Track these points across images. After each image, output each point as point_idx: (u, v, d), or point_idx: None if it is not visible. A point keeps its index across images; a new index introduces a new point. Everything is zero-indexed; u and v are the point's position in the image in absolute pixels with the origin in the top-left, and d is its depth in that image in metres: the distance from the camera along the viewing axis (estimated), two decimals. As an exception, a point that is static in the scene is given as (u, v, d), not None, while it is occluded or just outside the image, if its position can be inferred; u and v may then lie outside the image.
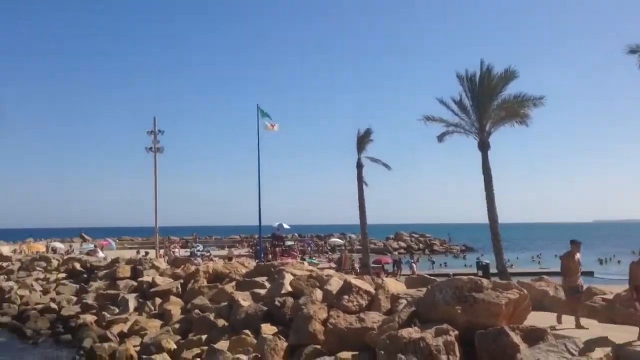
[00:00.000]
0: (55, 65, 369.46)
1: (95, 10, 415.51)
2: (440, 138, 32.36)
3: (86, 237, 75.49)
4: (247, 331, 15.37)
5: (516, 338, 9.99)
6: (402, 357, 10.20)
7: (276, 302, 16.50)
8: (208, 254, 52.25)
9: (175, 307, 21.26)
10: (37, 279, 33.07)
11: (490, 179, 29.96)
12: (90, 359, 18.35)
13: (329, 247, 71.32)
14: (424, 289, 13.29)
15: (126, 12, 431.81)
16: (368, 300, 14.35)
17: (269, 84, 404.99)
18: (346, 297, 14.27)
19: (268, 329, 15.05)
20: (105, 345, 18.67)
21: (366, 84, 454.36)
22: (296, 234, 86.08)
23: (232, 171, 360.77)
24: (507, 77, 30.05)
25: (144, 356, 16.73)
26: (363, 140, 40.29)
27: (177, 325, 18.96)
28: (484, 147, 30.25)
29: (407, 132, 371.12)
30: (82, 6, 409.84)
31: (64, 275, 33.67)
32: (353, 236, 78.03)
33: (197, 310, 19.15)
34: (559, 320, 12.45)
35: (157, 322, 20.39)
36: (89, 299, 26.07)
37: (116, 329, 20.51)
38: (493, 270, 32.29)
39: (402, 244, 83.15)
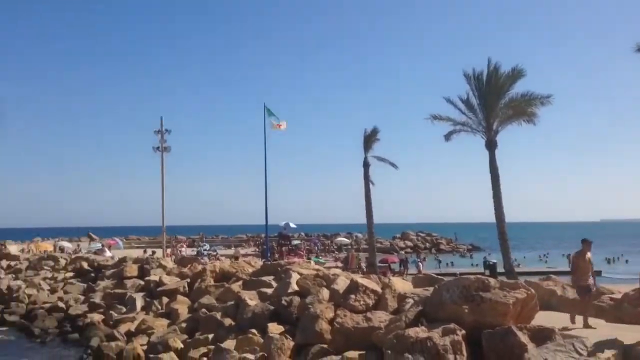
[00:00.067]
0: (59, 66, 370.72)
1: (96, 10, 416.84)
2: (447, 137, 32.35)
3: (94, 236, 75.72)
4: (253, 330, 15.38)
5: (524, 337, 9.95)
6: (409, 356, 10.18)
7: (283, 302, 16.50)
8: (215, 253, 52.39)
9: (182, 306, 21.30)
10: (44, 278, 33.18)
11: (498, 178, 29.91)
12: (98, 358, 18.38)
13: (335, 247, 71.40)
14: (431, 289, 13.25)
15: (128, 11, 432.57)
16: (375, 300, 14.32)
17: (275, 83, 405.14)
18: (353, 296, 14.25)
19: (275, 328, 15.05)
20: (113, 344, 18.71)
21: (373, 83, 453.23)
22: (303, 233, 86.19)
23: (238, 170, 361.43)
24: (514, 75, 30.01)
25: (151, 355, 16.78)
26: (370, 139, 40.32)
27: (184, 325, 18.98)
28: (491, 146, 30.20)
29: (413, 131, 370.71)
30: (82, 6, 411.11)
31: (71, 274, 33.77)
32: (359, 235, 78.13)
33: (204, 310, 19.17)
34: (573, 321, 12.24)
35: (164, 321, 20.42)
36: (97, 298, 26.16)
37: (123, 328, 20.55)
38: (500, 269, 32.21)
39: (409, 243, 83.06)
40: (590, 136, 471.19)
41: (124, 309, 23.37)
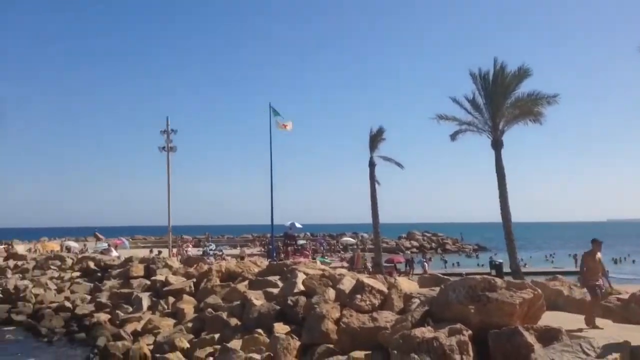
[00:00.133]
0: (60, 66, 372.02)
1: (97, 10, 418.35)
2: (453, 137, 32.28)
3: (100, 236, 75.90)
4: (259, 330, 15.40)
5: (530, 338, 9.93)
6: (416, 356, 10.17)
7: (289, 301, 16.51)
8: (220, 253, 52.40)
9: (188, 306, 21.33)
10: (51, 278, 33.28)
11: (504, 178, 29.83)
12: (104, 358, 18.43)
13: (341, 246, 71.35)
14: (437, 289, 13.25)
15: (128, 11, 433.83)
16: (381, 300, 14.31)
17: (278, 83, 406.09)
18: (359, 296, 14.24)
19: (281, 328, 15.07)
20: (119, 343, 18.76)
21: (375, 83, 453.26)
22: (308, 233, 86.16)
23: (243, 170, 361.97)
24: (520, 75, 29.91)
25: (158, 355, 16.80)
26: (375, 139, 40.25)
27: (190, 324, 19.01)
28: (497, 145, 30.12)
29: (417, 130, 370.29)
30: (83, 6, 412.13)
31: (78, 274, 33.86)
32: (365, 235, 78.08)
33: (210, 309, 19.18)
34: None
35: (170, 321, 20.46)
36: (103, 298, 26.23)
37: (130, 327, 20.59)
38: (506, 269, 32.10)
39: (415, 243, 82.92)
40: (597, 136, 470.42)
41: (131, 309, 23.43)
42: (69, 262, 38.05)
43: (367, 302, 14.09)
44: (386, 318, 12.83)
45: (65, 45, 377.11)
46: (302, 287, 17.60)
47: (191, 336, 17.79)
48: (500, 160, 29.99)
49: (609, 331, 11.21)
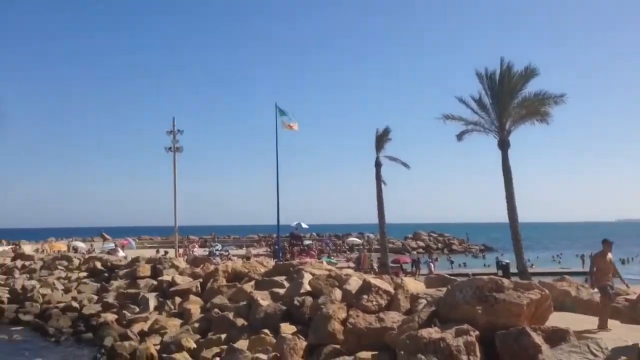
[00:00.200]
0: (63, 66, 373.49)
1: (100, 10, 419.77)
2: (460, 137, 32.27)
3: (107, 236, 76.08)
4: (266, 330, 15.40)
5: (538, 338, 9.90)
6: (422, 357, 10.16)
7: (295, 302, 16.51)
8: (227, 253, 52.44)
9: (194, 306, 21.36)
10: (59, 278, 33.40)
11: (510, 178, 29.79)
12: (112, 358, 18.47)
13: (347, 247, 71.28)
14: (444, 289, 13.21)
15: (128, 11, 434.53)
16: (387, 300, 14.29)
17: (284, 83, 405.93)
18: (365, 296, 14.23)
19: (287, 329, 15.06)
20: (126, 343, 18.81)
21: (382, 83, 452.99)
22: (314, 234, 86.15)
23: (250, 171, 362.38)
24: (527, 74, 29.87)
25: (164, 355, 16.82)
26: (382, 139, 40.28)
27: (196, 324, 19.05)
28: (504, 145, 30.08)
29: (423, 130, 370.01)
30: (85, 5, 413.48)
31: (85, 274, 33.96)
32: (371, 235, 77.90)
33: (216, 310, 19.22)
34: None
35: (177, 321, 20.49)
36: (110, 298, 26.31)
37: (137, 327, 20.64)
38: (513, 270, 32.02)
39: (421, 244, 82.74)
40: (604, 135, 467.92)
41: (137, 309, 23.49)
42: (76, 262, 38.17)
43: (374, 303, 14.07)
44: (393, 318, 12.82)
45: (65, 45, 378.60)
46: (308, 288, 17.60)
47: (198, 336, 17.82)
48: (507, 160, 29.94)
49: (617, 332, 11.16)
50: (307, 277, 18.26)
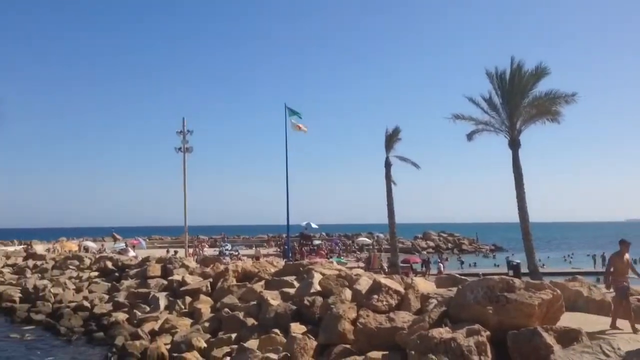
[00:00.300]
0: (66, 65, 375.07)
1: (98, 10, 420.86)
2: (470, 136, 32.14)
3: (117, 236, 76.64)
4: (276, 330, 15.43)
5: (550, 339, 9.84)
6: (433, 357, 10.12)
7: (305, 301, 16.52)
8: (236, 253, 52.58)
9: (205, 305, 21.43)
10: (70, 278, 33.63)
11: (521, 177, 29.64)
12: (123, 357, 18.54)
13: (356, 247, 71.23)
14: (455, 289, 13.17)
15: (129, 11, 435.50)
16: (398, 300, 14.26)
17: (295, 83, 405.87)
18: (376, 296, 14.20)
19: (297, 328, 15.08)
20: (137, 343, 18.88)
21: (393, 82, 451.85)
22: (324, 234, 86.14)
23: (260, 171, 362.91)
24: (538, 74, 29.69)
25: (175, 354, 16.87)
26: (391, 139, 40.19)
27: (207, 324, 19.08)
28: (514, 145, 29.94)
29: (432, 130, 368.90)
30: (86, 5, 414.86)
31: (96, 273, 34.18)
32: (381, 235, 77.89)
33: (226, 309, 19.25)
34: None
35: (188, 321, 20.56)
36: (121, 297, 26.43)
37: (147, 327, 20.71)
38: (524, 270, 31.83)
39: (431, 244, 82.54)
40: (614, 135, 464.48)
41: (148, 308, 23.58)
42: (87, 262, 38.44)
43: (384, 303, 14.04)
44: (403, 318, 12.78)
45: (68, 45, 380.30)
46: (318, 287, 17.61)
47: (208, 336, 17.86)
48: (518, 160, 29.80)
49: (630, 333, 11.07)
50: (317, 277, 18.27)
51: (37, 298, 29.93)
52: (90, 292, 29.80)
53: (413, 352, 10.57)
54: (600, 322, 12.15)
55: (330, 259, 40.17)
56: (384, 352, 11.77)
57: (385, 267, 39.07)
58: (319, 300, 16.37)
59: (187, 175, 44.31)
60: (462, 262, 56.34)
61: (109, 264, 35.06)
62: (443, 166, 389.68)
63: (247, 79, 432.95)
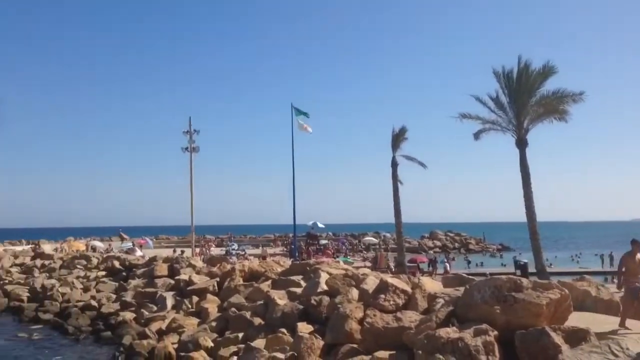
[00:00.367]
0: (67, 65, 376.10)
1: (99, 10, 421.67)
2: (477, 136, 32.06)
3: (124, 236, 76.84)
4: (283, 330, 15.43)
5: (558, 338, 9.78)
6: (440, 357, 10.09)
7: (312, 301, 16.51)
8: (243, 252, 52.63)
9: (212, 305, 21.47)
10: (78, 277, 33.78)
11: (528, 177, 29.54)
12: (130, 356, 18.64)
13: (363, 246, 71.17)
14: (462, 289, 13.12)
15: (130, 11, 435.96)
16: (405, 300, 14.22)
17: (295, 84, 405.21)
18: (383, 296, 14.17)
19: (304, 328, 15.07)
20: (144, 342, 18.97)
21: (400, 81, 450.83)
22: (330, 233, 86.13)
23: (260, 171, 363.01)
24: (545, 72, 29.58)
25: (182, 353, 16.93)
26: (398, 138, 40.19)
27: (214, 323, 19.13)
28: (521, 144, 29.83)
29: (438, 129, 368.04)
30: (87, 4, 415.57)
31: (103, 273, 34.33)
32: (387, 235, 77.75)
33: (233, 309, 19.28)
34: (623, 324, 11.60)
35: (195, 320, 20.62)
36: (128, 297, 26.53)
37: (155, 326, 20.79)
38: (531, 269, 31.73)
39: (437, 243, 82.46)
40: (619, 134, 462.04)
41: (155, 308, 23.66)
42: (95, 261, 38.59)
43: (391, 302, 14.01)
44: (410, 318, 12.75)
45: (68, 45, 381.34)
46: (325, 287, 17.59)
47: (215, 335, 17.90)
48: (525, 159, 29.69)
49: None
50: (324, 277, 18.26)
51: (45, 297, 30.11)
52: (98, 291, 29.94)
53: (420, 352, 10.54)
54: (609, 322, 12.08)
55: (337, 259, 40.19)
56: (391, 352, 11.74)
57: (392, 267, 39.02)
58: (326, 299, 16.35)
59: (193, 175, 44.43)
60: (469, 262, 56.23)
61: (117, 264, 35.19)
62: (448, 166, 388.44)
63: (247, 79, 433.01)
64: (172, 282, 26.81)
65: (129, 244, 59.58)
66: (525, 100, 29.65)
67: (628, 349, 9.33)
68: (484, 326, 10.59)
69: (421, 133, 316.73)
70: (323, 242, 64.45)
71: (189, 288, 24.35)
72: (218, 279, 24.33)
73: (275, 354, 14.00)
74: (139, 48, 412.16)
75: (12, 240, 73.86)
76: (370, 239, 75.76)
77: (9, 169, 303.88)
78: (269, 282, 21.57)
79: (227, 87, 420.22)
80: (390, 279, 15.67)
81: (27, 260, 42.72)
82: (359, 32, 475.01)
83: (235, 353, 15.74)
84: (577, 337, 9.91)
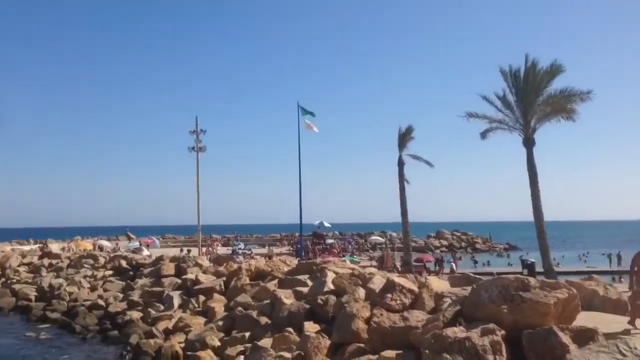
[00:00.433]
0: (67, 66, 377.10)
1: (100, 10, 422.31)
2: (484, 135, 31.98)
3: (131, 235, 77.06)
4: (290, 329, 15.43)
5: (565, 338, 9.75)
6: (448, 356, 10.07)
7: (319, 300, 16.51)
8: (249, 252, 52.71)
9: (218, 304, 21.50)
10: (85, 276, 33.89)
11: (536, 176, 29.45)
12: (137, 355, 18.68)
13: (369, 245, 71.13)
14: (469, 288, 13.09)
15: (130, 11, 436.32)
16: (412, 299, 14.20)
17: (295, 84, 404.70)
18: (389, 295, 14.16)
19: (311, 327, 15.07)
20: (151, 341, 19.01)
21: (406, 81, 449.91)
22: (337, 232, 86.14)
23: (260, 170, 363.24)
24: (553, 71, 29.45)
25: (189, 352, 16.96)
26: (404, 137, 40.14)
27: (220, 323, 19.16)
28: (529, 143, 29.73)
29: (444, 128, 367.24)
30: (88, 4, 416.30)
31: (110, 272, 34.43)
32: (394, 234, 77.67)
33: (240, 308, 19.31)
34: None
35: (201, 319, 20.65)
36: (135, 296, 26.61)
37: (161, 325, 20.84)
38: (539, 269, 31.62)
39: (444, 242, 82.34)
40: (626, 132, 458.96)
41: (162, 307, 23.72)
42: (102, 260, 38.70)
43: (398, 302, 13.99)
44: (417, 317, 12.72)
45: (68, 45, 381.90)
46: (331, 286, 17.59)
47: (222, 334, 17.92)
48: (532, 158, 29.59)
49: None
50: (330, 276, 18.25)
51: (52, 297, 30.23)
52: (105, 290, 30.05)
53: (427, 352, 10.52)
54: (617, 322, 12.02)
55: (343, 258, 40.19)
56: (398, 352, 11.72)
57: (399, 266, 38.98)
58: (333, 299, 16.34)
59: (200, 175, 44.52)
60: (475, 261, 56.11)
61: (124, 263, 35.29)
62: (448, 166, 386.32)
63: (247, 79, 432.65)
64: (179, 281, 26.88)
65: (136, 244, 59.73)
66: (532, 99, 29.55)
67: (636, 348, 9.29)
68: (491, 326, 10.56)
69: (421, 133, 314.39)
70: (329, 241, 64.46)
71: (195, 287, 24.41)
72: (225, 279, 24.38)
73: (282, 353, 14.00)
74: (139, 48, 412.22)
75: (20, 239, 74.22)
76: (376, 238, 75.71)
77: (9, 169, 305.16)
78: (276, 281, 21.59)
79: (227, 87, 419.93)
80: (397, 278, 15.66)
81: (35, 260, 42.87)
82: (359, 32, 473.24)
83: (242, 352, 15.75)
84: (585, 337, 9.87)
